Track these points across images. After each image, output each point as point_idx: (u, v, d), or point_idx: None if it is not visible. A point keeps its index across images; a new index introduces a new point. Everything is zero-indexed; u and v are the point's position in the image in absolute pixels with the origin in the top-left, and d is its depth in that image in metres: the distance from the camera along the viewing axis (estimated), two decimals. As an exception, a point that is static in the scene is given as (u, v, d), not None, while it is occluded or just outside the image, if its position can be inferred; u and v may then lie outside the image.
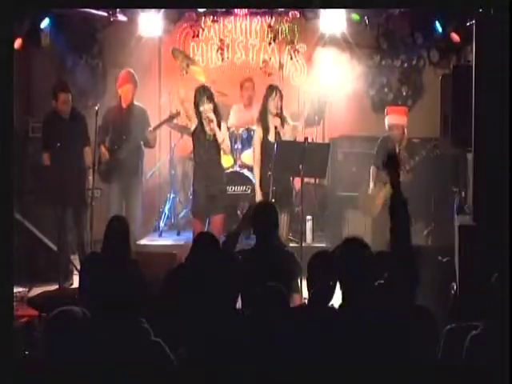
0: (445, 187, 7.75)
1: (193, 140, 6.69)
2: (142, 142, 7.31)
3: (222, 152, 6.64)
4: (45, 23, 8.13)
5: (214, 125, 6.46)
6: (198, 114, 6.53)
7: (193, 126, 6.61)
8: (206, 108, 6.46)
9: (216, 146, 6.56)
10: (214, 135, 6.51)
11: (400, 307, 3.52)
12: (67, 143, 6.97)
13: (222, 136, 6.54)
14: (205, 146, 6.58)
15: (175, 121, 7.57)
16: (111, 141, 7.16)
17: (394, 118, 7.17)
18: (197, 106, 6.51)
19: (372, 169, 7.31)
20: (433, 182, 7.82)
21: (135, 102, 7.34)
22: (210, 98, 6.49)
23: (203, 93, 6.49)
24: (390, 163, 3.75)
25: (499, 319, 3.32)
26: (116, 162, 7.09)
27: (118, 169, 7.12)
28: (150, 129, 7.28)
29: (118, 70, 7.56)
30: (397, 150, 6.89)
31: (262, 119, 6.74)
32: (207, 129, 6.52)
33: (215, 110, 6.51)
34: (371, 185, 7.29)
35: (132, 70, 7.45)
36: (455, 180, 7.64)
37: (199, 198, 6.62)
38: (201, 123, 6.54)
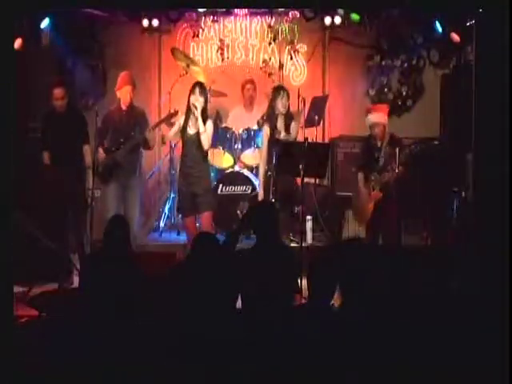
0: (445, 187, 7.75)
1: (181, 137, 6.70)
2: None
3: (203, 148, 6.52)
4: (45, 23, 8.11)
5: (199, 118, 6.45)
6: (188, 107, 6.53)
7: (181, 119, 6.62)
8: (197, 100, 6.45)
9: (198, 142, 6.51)
10: (198, 132, 6.48)
11: (398, 305, 3.53)
12: (66, 140, 6.96)
13: (203, 129, 6.44)
14: (188, 143, 6.58)
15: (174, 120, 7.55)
16: (110, 142, 7.14)
17: (376, 117, 6.99)
18: (188, 97, 6.52)
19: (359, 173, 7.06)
20: (433, 182, 7.81)
21: (134, 104, 7.32)
22: (203, 95, 6.49)
23: (198, 88, 6.51)
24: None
25: None
26: (114, 163, 7.07)
27: (115, 170, 7.11)
28: (150, 127, 7.25)
29: (118, 71, 7.54)
30: (379, 150, 6.71)
31: (270, 119, 6.74)
32: (191, 123, 6.52)
33: (204, 109, 6.48)
34: (361, 188, 7.01)
35: (130, 72, 7.42)
36: (455, 180, 7.63)
37: (182, 196, 6.68)
38: (187, 117, 6.54)
